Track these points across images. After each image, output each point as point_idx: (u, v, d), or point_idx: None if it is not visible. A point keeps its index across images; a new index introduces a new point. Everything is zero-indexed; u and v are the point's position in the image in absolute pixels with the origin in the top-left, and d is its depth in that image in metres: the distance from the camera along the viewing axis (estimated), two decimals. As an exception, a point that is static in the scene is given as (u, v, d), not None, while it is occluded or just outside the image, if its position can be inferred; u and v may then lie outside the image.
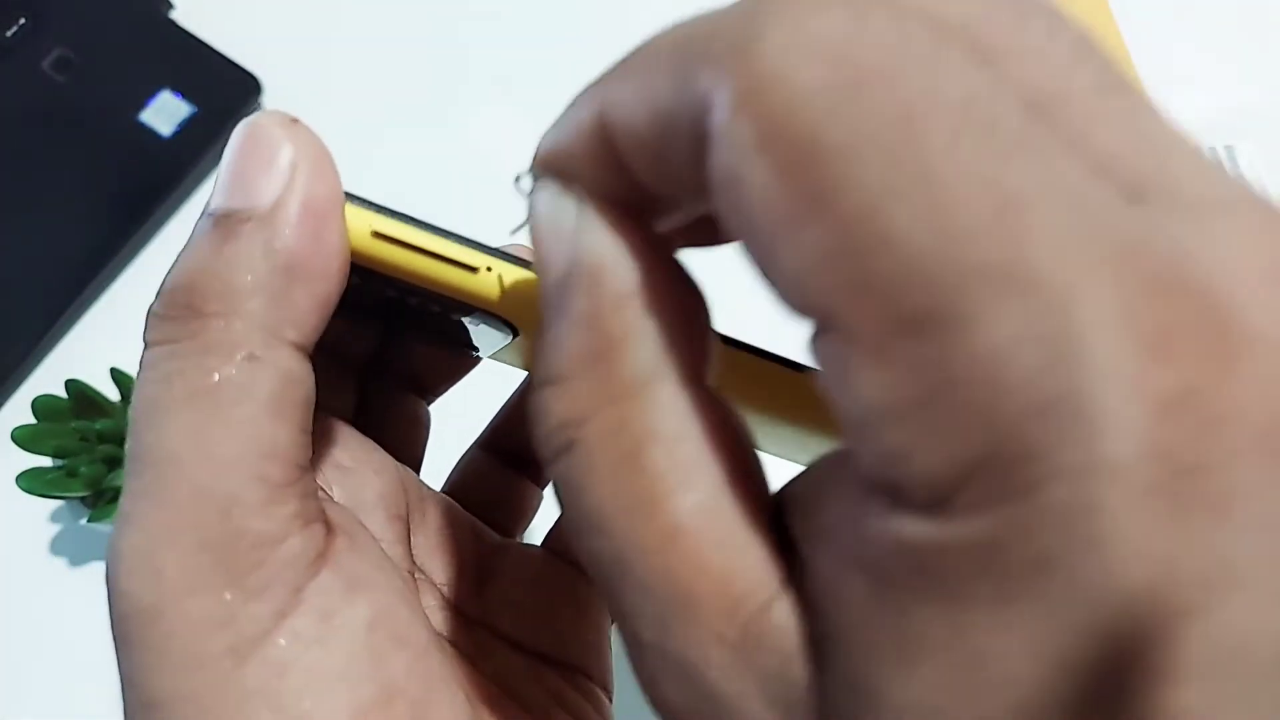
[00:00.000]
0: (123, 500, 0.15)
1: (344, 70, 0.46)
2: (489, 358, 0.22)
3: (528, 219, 0.14)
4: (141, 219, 0.43)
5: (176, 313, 0.15)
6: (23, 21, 0.45)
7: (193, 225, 0.16)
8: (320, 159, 0.16)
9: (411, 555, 0.20)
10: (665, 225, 0.15)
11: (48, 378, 0.41)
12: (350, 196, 0.16)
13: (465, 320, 0.18)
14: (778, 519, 0.13)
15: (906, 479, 0.10)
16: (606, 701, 0.21)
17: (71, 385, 0.38)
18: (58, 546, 0.39)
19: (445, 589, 0.20)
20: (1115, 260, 0.10)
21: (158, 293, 0.16)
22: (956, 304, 0.10)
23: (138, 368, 0.16)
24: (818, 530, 0.12)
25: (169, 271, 0.16)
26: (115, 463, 0.37)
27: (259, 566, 0.15)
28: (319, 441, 0.19)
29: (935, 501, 0.10)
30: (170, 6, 0.46)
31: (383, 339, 0.22)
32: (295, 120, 0.16)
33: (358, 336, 0.22)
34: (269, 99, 0.45)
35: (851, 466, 0.11)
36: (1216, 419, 0.09)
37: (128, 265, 0.43)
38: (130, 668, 0.15)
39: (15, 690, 0.38)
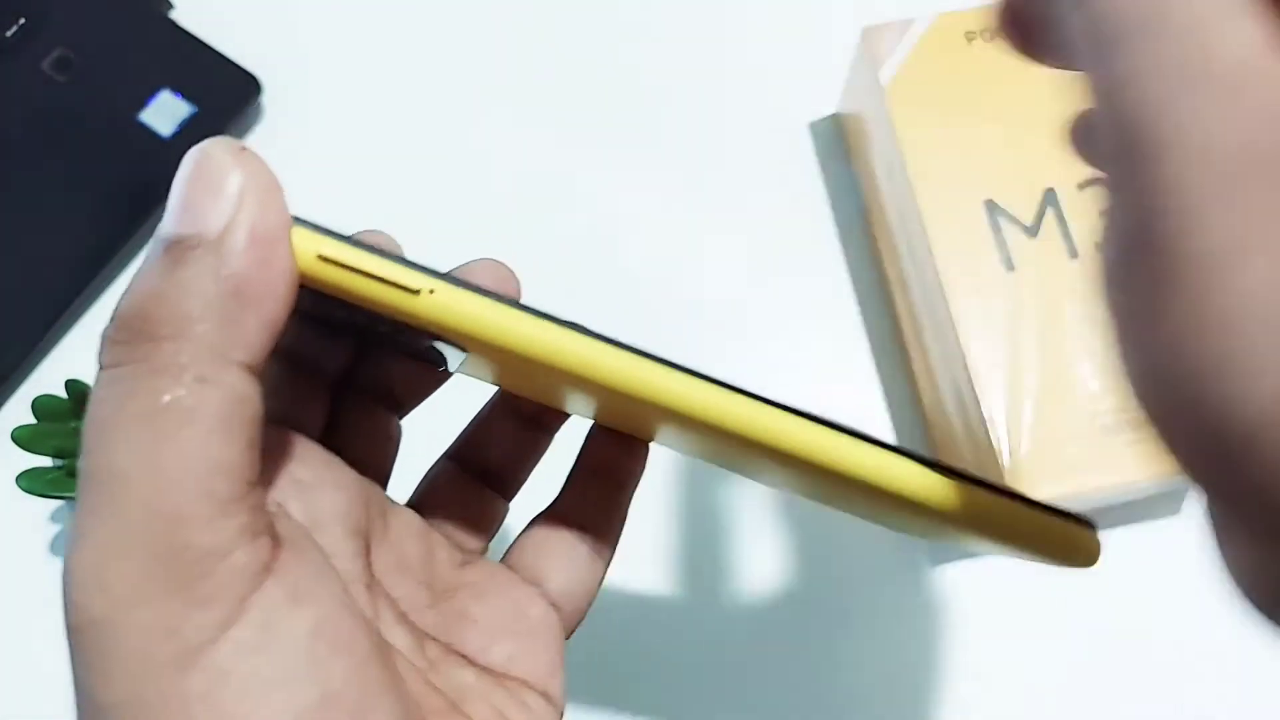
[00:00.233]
0: (75, 517, 0.16)
1: (344, 70, 0.46)
2: (456, 372, 0.22)
3: None
4: (141, 219, 0.43)
5: (128, 337, 0.16)
6: (23, 21, 0.45)
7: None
8: (268, 186, 0.16)
9: (371, 569, 0.20)
10: None
11: (48, 378, 0.41)
12: (299, 220, 0.16)
13: (425, 338, 0.18)
14: None
15: None
16: None
17: (71, 385, 0.38)
18: (58, 546, 0.40)
19: (402, 602, 0.21)
20: None
21: (111, 317, 0.16)
22: None
23: (93, 388, 0.16)
24: None
25: (122, 296, 0.16)
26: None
27: (205, 578, 0.15)
28: (279, 457, 0.19)
29: None
30: (170, 6, 0.47)
31: (355, 354, 0.22)
32: (244, 148, 0.16)
33: (330, 352, 0.22)
34: (269, 99, 0.45)
35: None
36: None
37: (128, 265, 0.43)
38: (82, 676, 0.15)
39: (15, 690, 0.39)
